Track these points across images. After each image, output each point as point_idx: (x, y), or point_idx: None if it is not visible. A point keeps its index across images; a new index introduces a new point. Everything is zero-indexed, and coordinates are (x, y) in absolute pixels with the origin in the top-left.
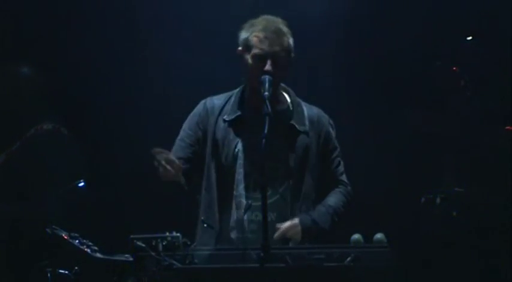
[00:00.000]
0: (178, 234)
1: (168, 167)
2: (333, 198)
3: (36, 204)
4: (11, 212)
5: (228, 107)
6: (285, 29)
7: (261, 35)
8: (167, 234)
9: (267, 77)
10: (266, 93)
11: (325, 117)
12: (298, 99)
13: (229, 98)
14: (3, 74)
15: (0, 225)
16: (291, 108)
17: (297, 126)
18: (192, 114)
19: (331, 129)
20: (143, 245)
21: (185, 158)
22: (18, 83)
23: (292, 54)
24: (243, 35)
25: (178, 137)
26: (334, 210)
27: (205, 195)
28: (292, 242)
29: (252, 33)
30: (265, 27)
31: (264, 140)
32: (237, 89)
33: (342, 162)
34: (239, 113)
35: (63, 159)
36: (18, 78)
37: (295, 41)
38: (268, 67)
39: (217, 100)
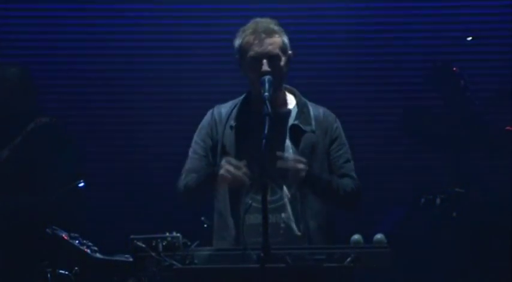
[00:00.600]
0: (178, 235)
1: (241, 173)
2: (342, 179)
3: (44, 197)
4: (20, 204)
5: (234, 113)
6: (276, 27)
7: (251, 38)
8: (167, 234)
9: (266, 78)
10: (266, 93)
11: (331, 116)
12: (304, 100)
13: (235, 104)
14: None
15: (8, 217)
16: (297, 109)
17: (301, 126)
18: (201, 125)
19: (338, 127)
20: (143, 245)
21: (200, 170)
22: (11, 81)
23: (289, 52)
24: (237, 42)
25: (191, 150)
26: (340, 183)
27: (217, 203)
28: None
29: (244, 39)
30: (254, 30)
31: (264, 141)
32: (243, 95)
33: (351, 161)
34: (244, 117)
35: (65, 150)
36: (9, 76)
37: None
38: (265, 67)
39: (224, 108)
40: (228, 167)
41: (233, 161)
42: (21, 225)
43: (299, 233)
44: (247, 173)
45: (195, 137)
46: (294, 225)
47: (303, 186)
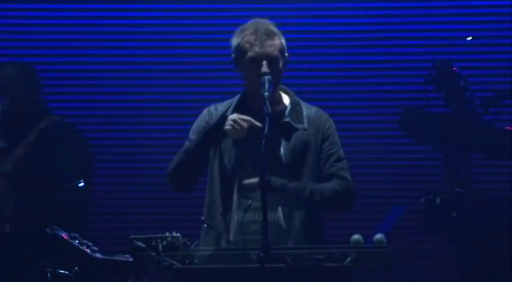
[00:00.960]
0: (178, 235)
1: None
2: (323, 183)
3: (45, 196)
4: (33, 204)
5: (230, 111)
6: (275, 29)
7: (252, 38)
8: (167, 234)
9: (266, 78)
10: (266, 93)
11: (324, 115)
12: (298, 99)
13: (231, 103)
14: (2, 70)
15: (23, 216)
16: (290, 108)
17: (293, 123)
18: (197, 120)
19: (330, 126)
20: (143, 245)
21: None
22: (11, 79)
23: (286, 54)
24: (235, 41)
25: (186, 141)
26: (316, 188)
27: (209, 197)
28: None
29: (244, 38)
30: (255, 30)
31: (264, 141)
32: (238, 95)
33: (344, 160)
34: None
35: (76, 149)
36: (10, 73)
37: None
38: (264, 68)
39: (220, 106)
40: (238, 120)
41: (239, 115)
42: (31, 225)
43: (286, 229)
44: (255, 124)
45: (190, 132)
46: (283, 223)
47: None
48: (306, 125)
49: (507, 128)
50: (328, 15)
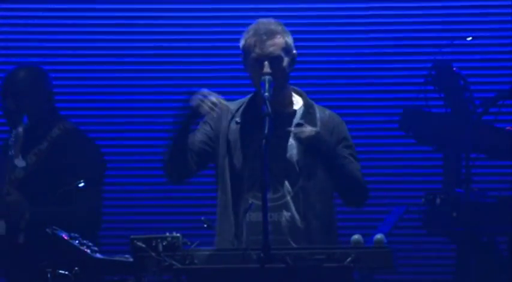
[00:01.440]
0: (178, 235)
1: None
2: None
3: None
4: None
5: (241, 110)
6: (278, 28)
7: (252, 39)
8: (167, 234)
9: (266, 78)
10: (266, 93)
11: (337, 117)
12: (311, 102)
13: (243, 102)
14: (16, 76)
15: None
16: (303, 109)
17: (306, 125)
18: (205, 117)
19: (344, 128)
20: (143, 245)
21: (195, 150)
22: (20, 84)
23: (294, 51)
24: (241, 43)
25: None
26: (348, 164)
27: (221, 197)
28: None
29: (246, 40)
30: (256, 31)
31: (264, 141)
32: (251, 94)
33: (358, 161)
34: (250, 115)
35: (88, 156)
36: (31, 79)
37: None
38: (266, 69)
39: (231, 105)
40: (206, 95)
41: (208, 91)
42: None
43: (302, 229)
44: (223, 102)
45: (198, 127)
46: (297, 223)
47: (312, 148)
48: (318, 127)
49: (507, 128)
50: (325, 15)
